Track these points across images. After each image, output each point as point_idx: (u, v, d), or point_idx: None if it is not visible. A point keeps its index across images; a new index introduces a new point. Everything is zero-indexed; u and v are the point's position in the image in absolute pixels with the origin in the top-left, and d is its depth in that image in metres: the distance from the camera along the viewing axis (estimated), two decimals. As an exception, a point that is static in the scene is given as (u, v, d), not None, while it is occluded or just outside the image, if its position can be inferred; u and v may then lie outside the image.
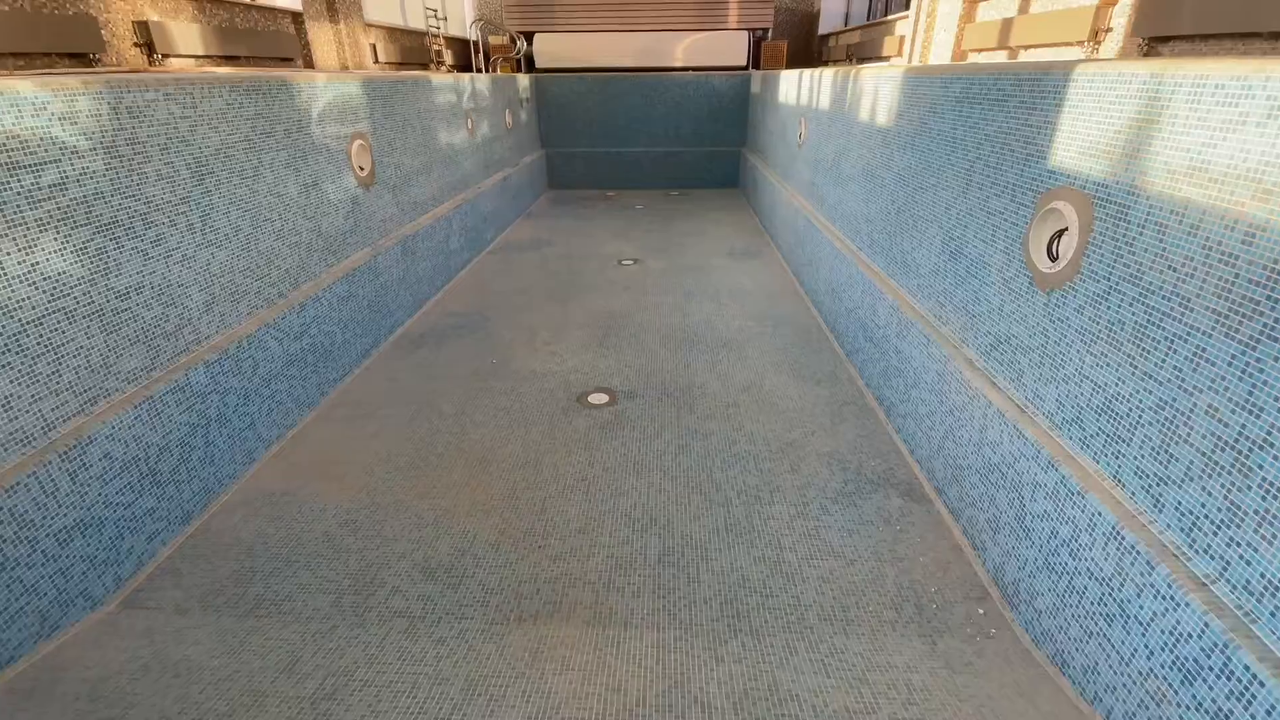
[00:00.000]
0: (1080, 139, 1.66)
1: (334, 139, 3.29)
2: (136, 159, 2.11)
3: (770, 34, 8.57)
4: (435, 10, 7.10)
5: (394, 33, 6.72)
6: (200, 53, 4.34)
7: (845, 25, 8.69)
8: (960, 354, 2.24)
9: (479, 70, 7.97)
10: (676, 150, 8.31)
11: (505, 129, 6.62)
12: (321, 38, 5.35)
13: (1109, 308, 1.54)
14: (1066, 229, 1.71)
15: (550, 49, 8.35)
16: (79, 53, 3.66)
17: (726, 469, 2.50)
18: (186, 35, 4.30)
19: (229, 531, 2.20)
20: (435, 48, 7.34)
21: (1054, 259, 1.77)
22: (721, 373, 3.29)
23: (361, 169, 3.57)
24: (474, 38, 7.61)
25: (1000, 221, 2.03)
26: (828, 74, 4.18)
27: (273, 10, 4.89)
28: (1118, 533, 1.43)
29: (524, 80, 7.44)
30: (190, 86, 2.36)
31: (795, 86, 5.19)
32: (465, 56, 7.47)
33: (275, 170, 2.82)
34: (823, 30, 8.92)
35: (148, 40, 3.86)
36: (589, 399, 3.04)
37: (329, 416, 2.94)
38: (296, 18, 5.09)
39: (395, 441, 2.72)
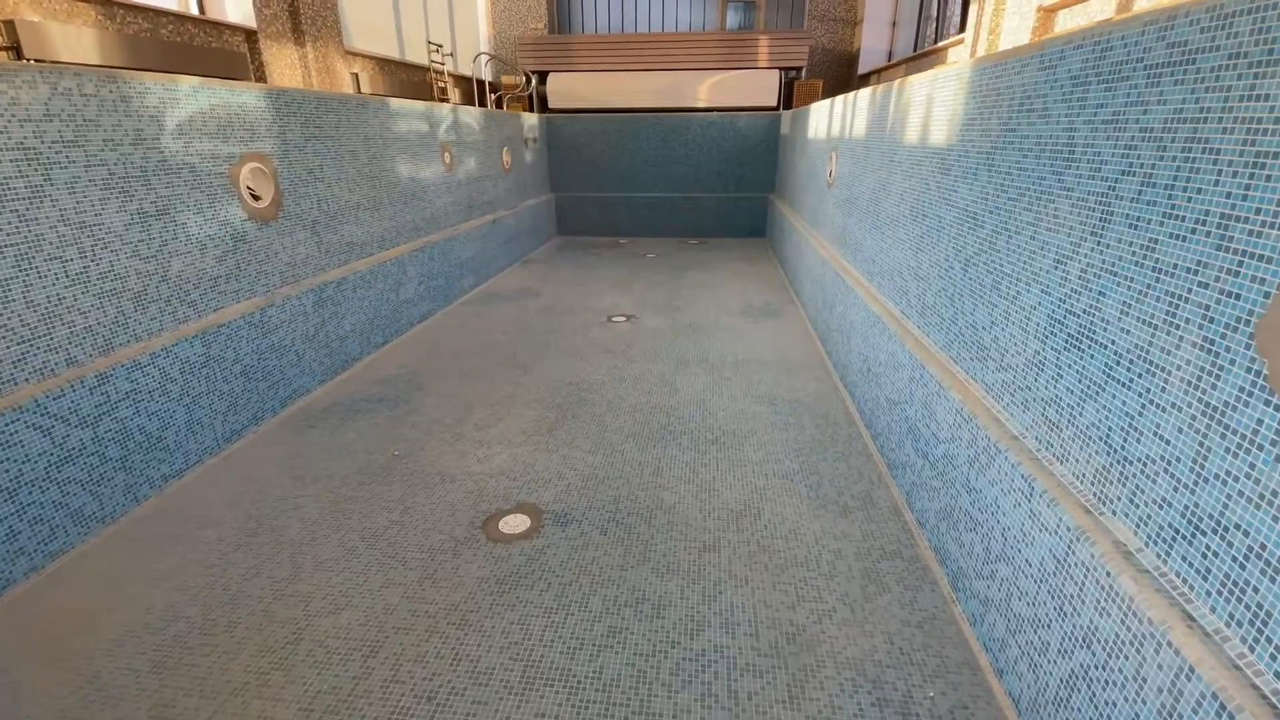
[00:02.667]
0: None
1: (206, 159, 2.54)
2: None
3: (805, 73, 7.86)
4: (440, 45, 6.62)
5: (387, 64, 6.24)
6: (96, 63, 3.73)
7: (889, 62, 7.92)
8: (1104, 533, 1.22)
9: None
10: (697, 196, 7.54)
11: (502, 169, 5.96)
12: (280, 60, 4.81)
13: None
14: None
15: (564, 88, 7.82)
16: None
17: (677, 689, 1.49)
18: (75, 41, 3.70)
19: None
20: (439, 85, 6.84)
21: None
22: (704, 485, 2.30)
23: (256, 198, 2.82)
24: (481, 75, 7.12)
25: (1187, 286, 1.05)
26: (864, 92, 3.30)
27: (217, 24, 4.35)
28: None
29: (531, 119, 6.85)
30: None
31: (826, 116, 4.34)
32: (475, 96, 6.99)
33: (79, 192, 2.05)
34: (863, 69, 8.17)
35: (14, 43, 3.27)
36: (501, 524, 2.08)
37: (126, 535, 2.06)
38: (250, 35, 4.57)
39: (186, 590, 1.81)
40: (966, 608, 1.67)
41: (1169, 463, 1.08)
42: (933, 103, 2.27)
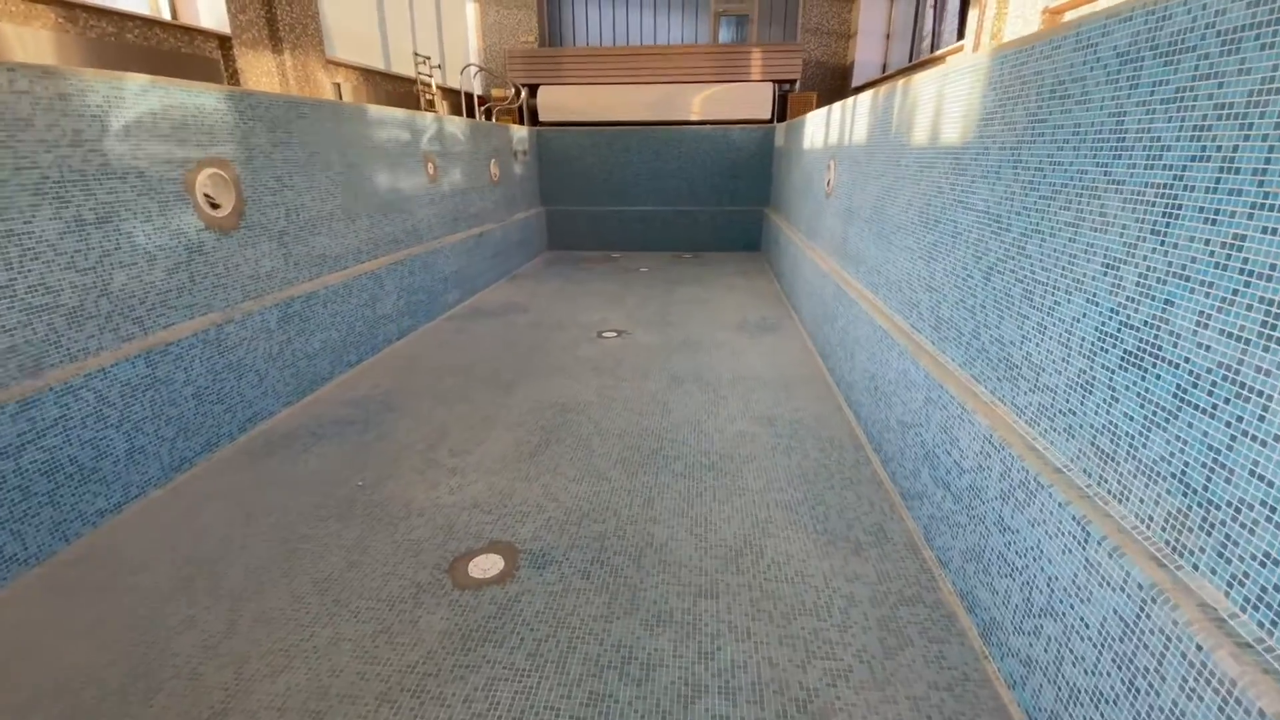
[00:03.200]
0: None
1: (157, 163, 2.34)
2: None
3: (798, 86, 7.77)
4: (427, 58, 6.49)
5: (372, 76, 6.09)
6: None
7: (884, 74, 7.84)
8: (1187, 594, 1.00)
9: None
10: (690, 210, 7.39)
11: (490, 181, 5.79)
12: (257, 68, 4.64)
13: None
14: None
15: (555, 101, 7.69)
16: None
17: (671, 765, 1.26)
18: (32, 44, 3.50)
19: None
20: (427, 97, 6.70)
21: None
22: (700, 518, 2.08)
23: (215, 207, 2.61)
24: (469, 88, 6.99)
25: (1295, 290, 0.85)
26: (865, 96, 3.14)
27: (188, 30, 4.17)
28: None
29: (520, 131, 6.71)
30: None
31: (823, 124, 4.19)
32: (464, 108, 6.86)
33: (6, 198, 1.84)
34: (857, 82, 8.09)
35: (-42, 42, 3.09)
36: (471, 566, 1.85)
37: (50, 580, 1.82)
38: (224, 42, 4.40)
39: (107, 648, 1.57)
40: (1003, 667, 1.45)
41: (1272, 509, 0.88)
42: (944, 100, 2.10)
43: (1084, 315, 1.31)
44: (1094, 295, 1.28)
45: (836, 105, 3.82)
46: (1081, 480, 1.29)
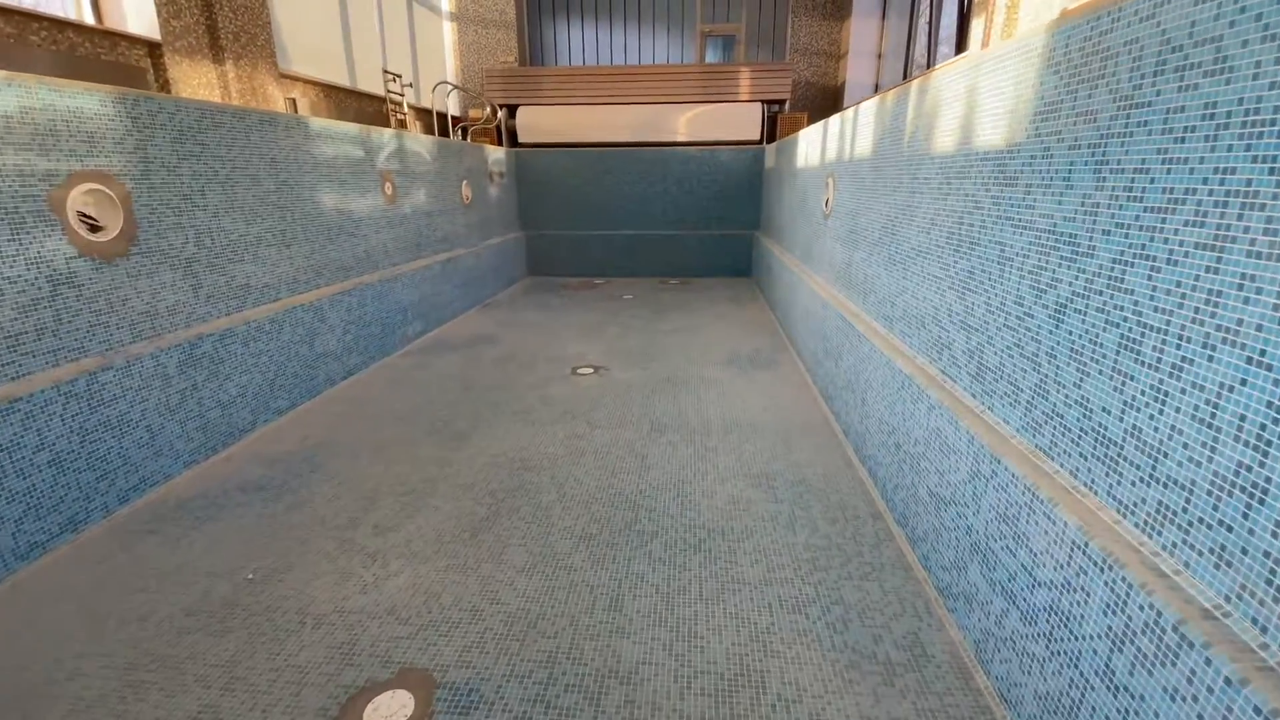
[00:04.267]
0: None
1: (10, 178, 1.89)
2: None
3: (788, 106, 7.50)
4: (398, 75, 6.13)
5: (334, 92, 5.72)
6: None
7: (876, 94, 7.60)
8: None
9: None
10: (677, 234, 7.03)
11: (461, 203, 5.39)
12: (192, 79, 4.22)
13: None
14: None
15: (534, 122, 7.36)
16: None
17: None
18: None
19: None
20: (399, 116, 6.33)
21: None
22: (683, 628, 1.61)
23: (95, 230, 2.16)
24: (442, 107, 6.63)
25: None
26: (869, 104, 2.76)
27: (111, 35, 3.75)
28: None
29: (496, 152, 6.34)
30: None
31: (819, 139, 3.82)
32: (436, 128, 6.50)
33: None
34: (849, 103, 7.84)
35: None
36: (370, 712, 1.36)
37: None
38: (154, 49, 4.00)
39: None
40: None
41: None
42: (977, 94, 1.70)
43: (1243, 381, 0.88)
44: (1260, 352, 0.85)
45: (835, 117, 3.45)
46: (1251, 637, 0.84)
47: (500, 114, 7.23)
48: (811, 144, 4.04)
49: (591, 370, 3.72)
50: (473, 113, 7.47)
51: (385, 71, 6.03)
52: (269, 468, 2.51)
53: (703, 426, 2.87)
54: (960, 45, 5.25)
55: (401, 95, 6.26)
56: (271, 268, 3.04)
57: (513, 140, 7.53)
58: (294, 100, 5.07)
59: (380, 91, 6.36)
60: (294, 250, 3.20)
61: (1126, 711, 0.99)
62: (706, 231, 7.01)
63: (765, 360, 3.90)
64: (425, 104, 7.23)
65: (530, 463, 2.52)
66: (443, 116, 6.98)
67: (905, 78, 6.95)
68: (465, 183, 5.49)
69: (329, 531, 2.06)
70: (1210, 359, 0.93)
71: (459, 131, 7.04)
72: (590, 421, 2.94)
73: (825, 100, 8.34)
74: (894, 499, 2.09)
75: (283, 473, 2.47)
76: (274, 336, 2.96)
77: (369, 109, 6.36)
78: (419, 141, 4.60)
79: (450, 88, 6.14)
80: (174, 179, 2.49)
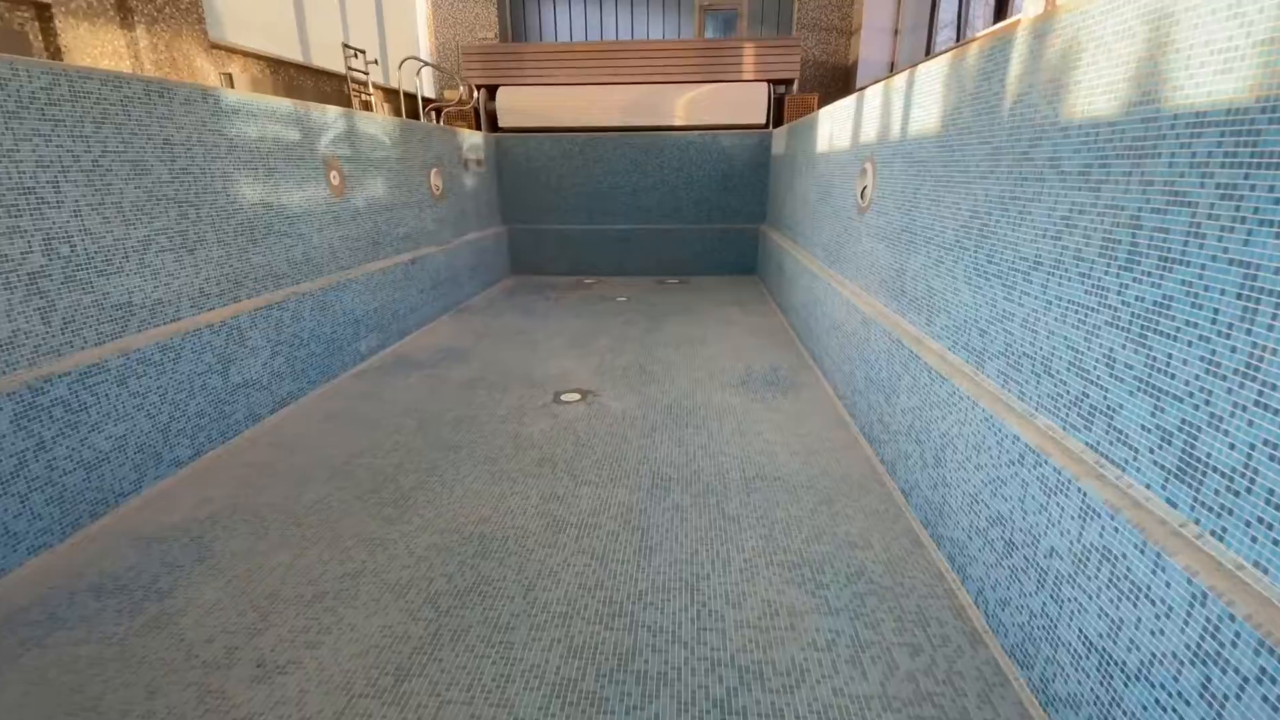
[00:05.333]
0: None
1: None
2: None
3: (796, 86, 6.84)
4: (362, 51, 5.43)
5: (284, 68, 5.01)
6: None
7: (891, 74, 6.94)
8: None
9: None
10: (675, 228, 6.38)
11: (430, 195, 4.72)
12: (92, 45, 3.50)
13: None
14: None
15: (516, 104, 6.67)
16: None
17: None
18: None
19: None
20: (363, 97, 5.63)
21: None
22: None
23: None
24: (419, 89, 5.93)
25: None
26: (935, 64, 2.12)
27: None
28: None
29: (473, 137, 5.66)
30: None
31: (851, 116, 3.18)
32: (404, 110, 5.83)
33: None
34: (862, 82, 7.19)
35: None
36: None
37: None
38: (42, 10, 3.29)
39: None
40: None
41: None
42: (1174, 21, 1.07)
43: None
44: None
45: (875, 87, 2.81)
46: None
47: (478, 95, 6.53)
48: (839, 123, 3.40)
49: (578, 396, 3.09)
50: (447, 93, 6.77)
51: (345, 46, 5.33)
52: (143, 553, 1.87)
53: (718, 480, 2.24)
54: (1001, 12, 4.61)
55: (366, 73, 5.56)
56: (166, 280, 2.38)
57: (493, 124, 6.85)
58: (229, 76, 4.37)
59: (340, 69, 5.65)
60: (201, 256, 2.54)
61: None
62: (708, 225, 6.37)
63: (785, 381, 3.27)
64: (396, 84, 6.51)
65: (491, 543, 1.89)
66: (412, 98, 6.27)
67: (927, 54, 6.30)
68: (435, 171, 4.82)
69: (192, 672, 1.42)
70: None
71: (432, 115, 6.35)
72: (574, 474, 2.31)
73: (835, 80, 7.68)
74: (1004, 619, 1.47)
75: (158, 562, 1.83)
76: (168, 368, 2.31)
77: (327, 88, 5.66)
78: (375, 123, 3.92)
79: (421, 65, 5.44)
80: (9, 167, 1.82)
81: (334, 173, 3.48)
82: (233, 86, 4.49)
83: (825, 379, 3.26)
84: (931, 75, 2.13)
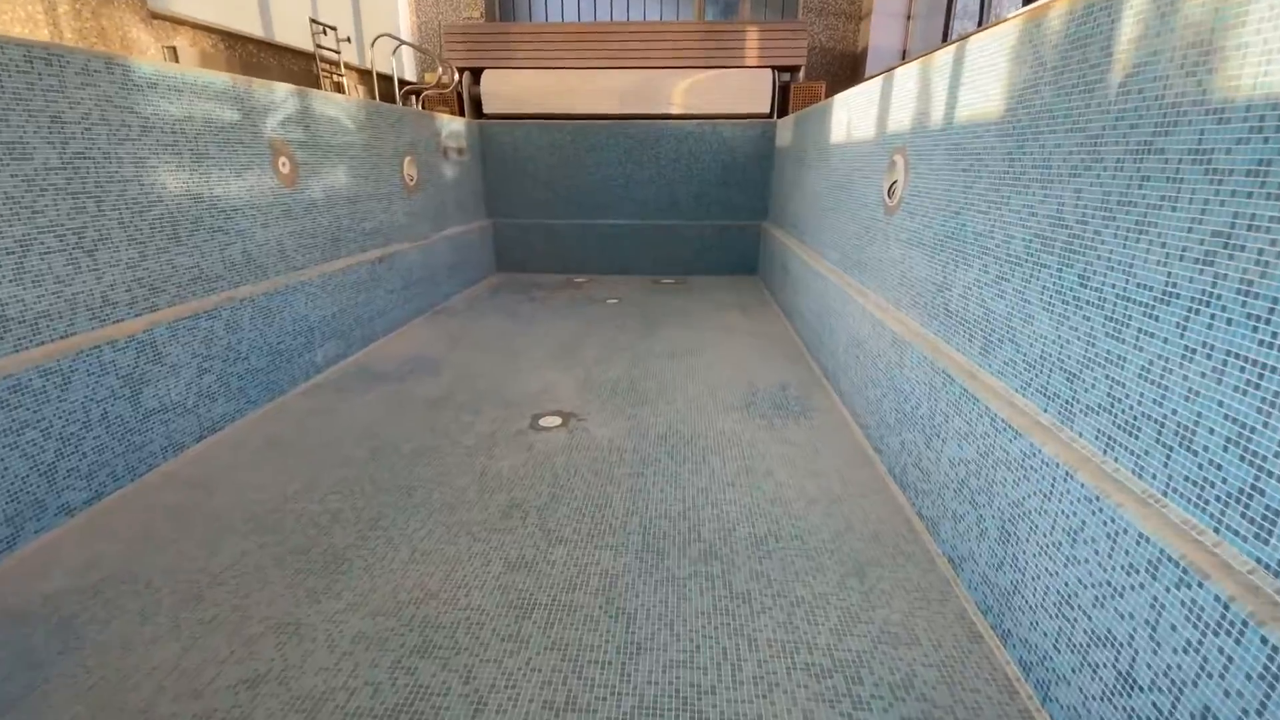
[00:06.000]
0: None
1: None
2: None
3: (803, 74, 6.41)
4: (333, 27, 4.96)
5: (240, 43, 4.55)
6: None
7: (904, 61, 6.54)
8: None
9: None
10: (672, 223, 5.97)
11: (403, 185, 4.29)
12: (3, 12, 3.04)
13: None
14: None
15: (502, 89, 6.22)
16: None
17: None
18: None
19: None
20: (335, 78, 5.17)
21: None
22: None
23: None
24: (387, 69, 5.47)
25: None
26: (1003, 28, 1.72)
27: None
28: None
29: (453, 123, 5.22)
30: None
31: (875, 100, 2.77)
32: (388, 95, 5.38)
33: None
34: (873, 70, 6.77)
35: None
36: None
37: None
38: None
39: None
40: None
41: None
42: None
43: None
44: None
45: (906, 68, 2.41)
46: None
47: (460, 78, 6.08)
48: (859, 110, 2.99)
49: (559, 420, 2.69)
50: (428, 76, 6.31)
51: (313, 21, 4.86)
52: (-11, 643, 1.46)
53: (723, 540, 1.85)
54: (1031, -10, 4.21)
55: (337, 52, 5.10)
56: (55, 288, 1.96)
57: (477, 110, 6.40)
58: (173, 50, 3.91)
59: (309, 46, 5.18)
60: (104, 258, 2.12)
61: None
62: (706, 221, 5.96)
63: (796, 402, 2.88)
64: (373, 65, 6.05)
65: (436, 632, 1.50)
66: (387, 79, 5.81)
67: (945, 40, 5.89)
68: (409, 160, 4.39)
69: None
70: None
71: (413, 98, 5.89)
72: (547, 528, 1.92)
73: (843, 68, 7.25)
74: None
75: (9, 655, 1.42)
76: (53, 396, 1.89)
77: (295, 67, 5.19)
78: (336, 104, 3.49)
79: (398, 44, 4.99)
80: None
81: (283, 159, 3.05)
82: (178, 61, 4.04)
83: (842, 402, 2.87)
84: (989, 48, 1.73)
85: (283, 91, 3.05)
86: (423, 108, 6.04)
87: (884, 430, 2.30)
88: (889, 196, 2.51)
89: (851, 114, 3.13)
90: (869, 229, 2.76)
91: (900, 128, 2.43)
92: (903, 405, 2.13)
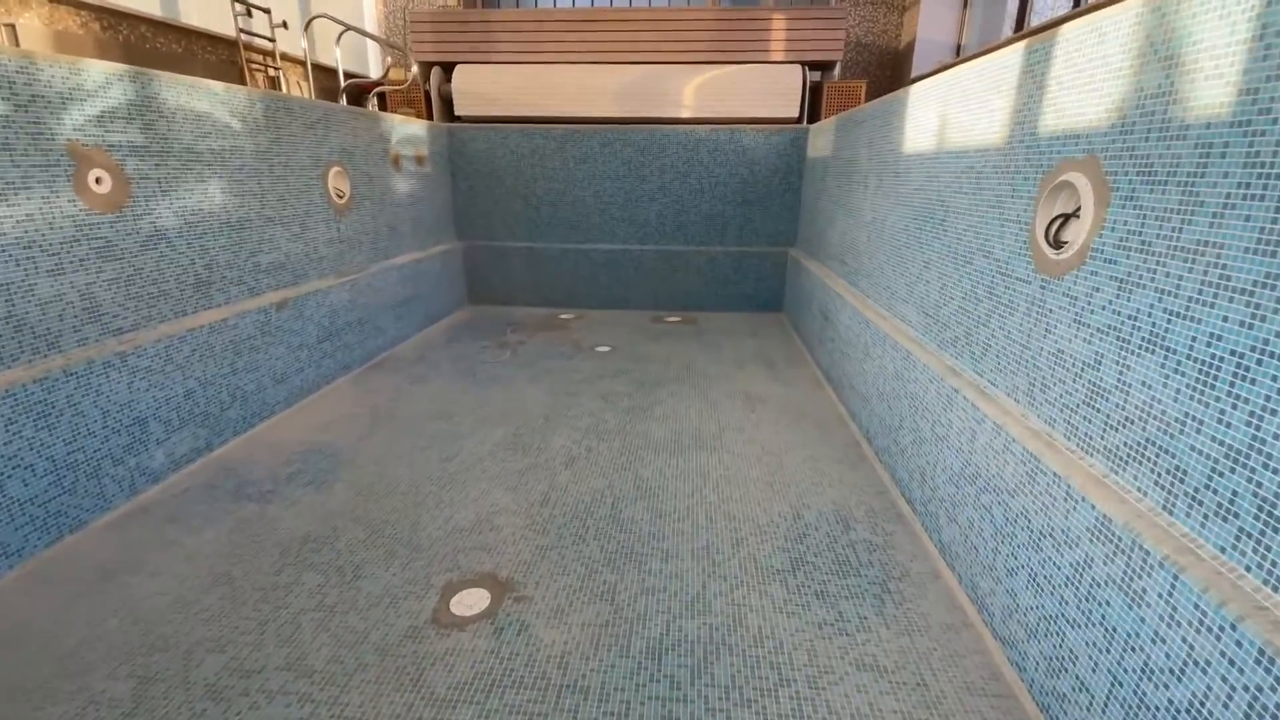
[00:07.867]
0: None
1: None
2: None
3: (838, 72, 5.38)
4: (263, 9, 3.99)
5: (129, 23, 3.57)
6: None
7: (958, 57, 5.50)
8: None
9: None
10: (679, 249, 4.94)
11: (327, 204, 3.29)
12: None
13: None
14: None
15: (478, 87, 5.23)
16: None
17: None
18: None
19: None
20: (269, 72, 4.20)
21: None
22: None
23: None
24: (334, 61, 4.51)
25: None
26: None
27: None
28: None
29: (410, 126, 4.23)
30: None
31: (1011, 90, 1.72)
32: (335, 92, 4.42)
33: None
34: (921, 68, 5.73)
35: None
36: None
37: None
38: None
39: None
40: None
41: None
42: None
43: None
44: None
45: (1079, 24, 1.35)
46: None
47: (415, 74, 5.10)
48: (973, 97, 1.94)
49: (484, 603, 1.64)
50: (393, 74, 5.34)
51: (235, 2, 3.90)
52: None
53: None
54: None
55: (272, 40, 4.13)
56: None
57: (448, 111, 5.42)
58: (12, 27, 2.90)
59: (231, 32, 4.21)
60: None
61: None
62: (720, 247, 4.92)
63: (871, 561, 1.81)
64: (327, 60, 5.09)
65: None
66: (333, 72, 4.84)
67: (1020, 28, 4.84)
68: (336, 171, 3.38)
69: None
70: None
71: (374, 99, 4.92)
72: None
73: (882, 66, 6.22)
74: None
75: None
76: None
77: (212, 58, 4.21)
78: (205, 94, 2.48)
79: (341, 29, 4.02)
80: None
81: (97, 172, 2.04)
82: (17, 44, 3.05)
83: (947, 565, 1.80)
84: None
85: (101, 72, 2.05)
86: (391, 110, 5.07)
87: (1037, 636, 1.23)
88: (1051, 243, 1.45)
89: (948, 109, 2.08)
90: (997, 293, 1.70)
91: (1077, 125, 1.37)
92: (1088, 611, 1.06)
